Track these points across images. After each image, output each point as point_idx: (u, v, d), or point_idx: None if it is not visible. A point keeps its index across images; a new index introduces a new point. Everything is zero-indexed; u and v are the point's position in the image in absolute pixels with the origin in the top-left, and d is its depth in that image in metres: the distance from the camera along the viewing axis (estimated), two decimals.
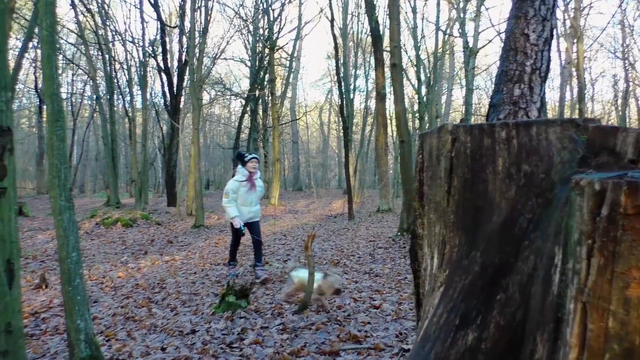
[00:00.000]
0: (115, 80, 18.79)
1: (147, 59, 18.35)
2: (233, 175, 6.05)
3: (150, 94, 22.14)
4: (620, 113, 28.19)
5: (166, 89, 18.46)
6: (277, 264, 6.18)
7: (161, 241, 8.59)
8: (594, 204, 1.07)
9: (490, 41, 21.87)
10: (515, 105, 4.94)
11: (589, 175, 1.19)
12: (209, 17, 14.29)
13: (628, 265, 1.02)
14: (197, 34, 12.95)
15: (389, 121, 18.46)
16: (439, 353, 1.42)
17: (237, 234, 5.52)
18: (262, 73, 21.23)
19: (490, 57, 31.96)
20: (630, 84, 27.34)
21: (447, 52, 24.73)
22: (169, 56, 18.85)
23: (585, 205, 1.10)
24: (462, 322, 1.42)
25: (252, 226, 5.69)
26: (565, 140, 1.42)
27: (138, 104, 22.53)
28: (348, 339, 3.14)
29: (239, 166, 5.60)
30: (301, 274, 4.01)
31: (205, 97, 25.91)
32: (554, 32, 4.95)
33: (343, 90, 15.68)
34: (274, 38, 19.34)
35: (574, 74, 21.17)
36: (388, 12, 8.83)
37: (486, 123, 1.51)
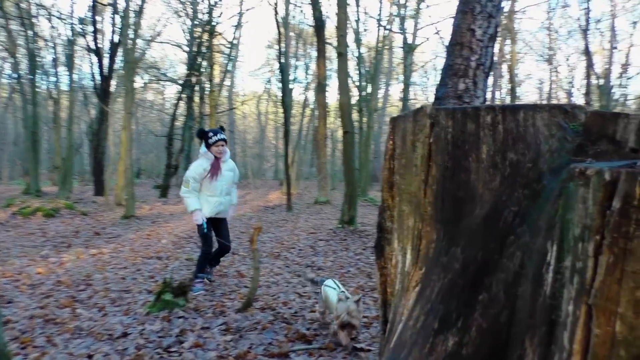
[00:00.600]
0: (39, 59, 17.46)
1: (76, 37, 17.18)
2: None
3: (78, 75, 20.79)
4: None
5: (96, 70, 17.39)
6: None
7: (87, 233, 8.01)
8: (604, 196, 0.96)
9: (427, 39, 22.34)
10: (459, 99, 4.93)
11: (591, 164, 1.09)
12: None
13: None
14: (131, 14, 12.23)
15: (328, 113, 18.39)
16: None
17: (200, 232, 4.41)
18: (199, 59, 20.48)
19: (427, 54, 32.68)
20: (554, 86, 28.95)
21: (387, 47, 25.03)
22: (99, 36, 17.76)
23: (591, 197, 0.99)
24: (441, 326, 1.29)
25: (219, 224, 4.55)
26: (553, 128, 1.32)
27: (64, 85, 21.13)
28: (297, 338, 2.97)
29: (202, 147, 4.47)
30: (333, 290, 3.12)
31: (139, 82, 24.76)
32: (498, 29, 4.99)
33: (285, 80, 15.41)
34: (214, 23, 18.68)
35: (505, 74, 22.09)
36: (337, 1, 8.69)
37: (470, 106, 1.39)
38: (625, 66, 22.48)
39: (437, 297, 1.33)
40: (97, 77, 17.30)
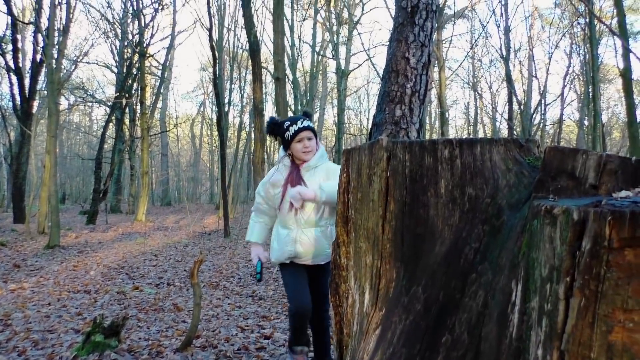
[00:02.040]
0: None
1: None
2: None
3: None
4: (470, 136, 31.26)
5: (16, 90, 16.36)
6: (149, 290, 5.57)
7: (5, 265, 7.36)
8: (573, 236, 0.93)
9: (360, 65, 22.88)
10: (396, 125, 5.02)
11: (554, 201, 1.07)
12: (70, 15, 12.99)
13: (612, 307, 0.88)
14: (56, 33, 11.64)
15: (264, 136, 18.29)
16: None
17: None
18: (130, 80, 19.86)
19: (359, 79, 33.53)
20: (479, 111, 30.57)
21: (321, 72, 25.46)
22: (20, 55, 16.76)
23: (558, 236, 0.97)
24: None
25: (314, 275, 2.73)
26: (510, 162, 1.31)
27: None
28: None
29: (281, 149, 2.83)
30: None
31: (64, 103, 23.60)
32: (431, 58, 5.14)
33: (220, 103, 15.17)
34: (145, 44, 18.19)
35: (434, 99, 23.01)
36: (273, 27, 8.69)
37: (427, 140, 1.35)
38: (543, 93, 24.11)
39: (398, 341, 1.27)
40: (18, 98, 16.29)
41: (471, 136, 31.55)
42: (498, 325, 1.15)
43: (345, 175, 1.55)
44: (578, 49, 21.40)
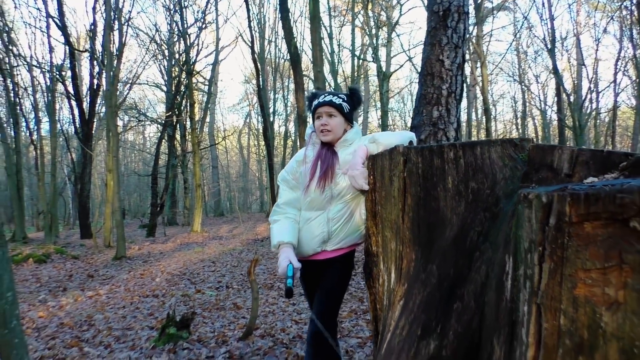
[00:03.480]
0: (18, 107, 17.57)
1: (55, 84, 17.39)
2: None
3: (59, 120, 20.84)
4: (520, 131, 30.61)
5: (76, 115, 17.56)
6: (210, 292, 6.03)
7: (80, 276, 8.07)
8: (543, 215, 1.19)
9: (401, 66, 22.96)
10: (434, 127, 5.19)
11: (534, 189, 1.33)
12: (123, 41, 13.86)
13: (575, 268, 1.14)
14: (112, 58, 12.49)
15: None
16: None
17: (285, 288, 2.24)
18: (179, 98, 20.82)
19: (402, 80, 33.52)
20: (527, 104, 29.86)
21: (362, 76, 25.69)
22: (78, 81, 17.98)
23: (534, 216, 1.23)
24: (423, 333, 1.50)
25: (323, 269, 2.35)
26: (506, 159, 1.57)
27: (44, 131, 21.22)
28: None
29: (310, 125, 2.47)
30: None
31: (119, 123, 24.93)
32: (465, 58, 5.30)
33: (265, 114, 15.74)
34: (191, 62, 19.07)
35: (479, 95, 22.75)
36: (310, 39, 9.08)
37: (435, 144, 1.63)
38: (593, 81, 23.37)
39: (418, 308, 1.55)
40: (78, 122, 17.44)
41: (519, 130, 30.86)
42: (496, 291, 1.42)
43: (371, 177, 1.85)
44: (630, 33, 20.60)
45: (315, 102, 2.32)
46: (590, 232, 1.14)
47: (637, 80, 19.72)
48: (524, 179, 1.45)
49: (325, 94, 2.34)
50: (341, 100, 2.31)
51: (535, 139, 32.96)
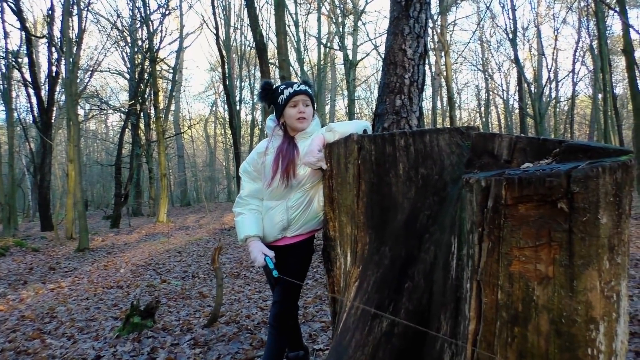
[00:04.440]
0: None
1: (11, 71, 16.76)
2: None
3: (15, 109, 20.09)
4: (483, 119, 31.29)
5: (34, 103, 17.00)
6: (176, 282, 6.02)
7: (41, 268, 7.91)
8: (482, 198, 1.28)
9: (367, 54, 23.14)
10: (397, 115, 5.27)
11: (475, 174, 1.42)
12: (82, 27, 13.47)
13: (510, 246, 1.24)
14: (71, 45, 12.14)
15: None
16: (359, 341, 1.57)
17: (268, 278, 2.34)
18: (142, 86, 20.42)
19: (368, 69, 33.68)
20: (490, 93, 30.51)
21: (329, 64, 25.72)
22: (36, 68, 17.38)
23: (474, 199, 1.32)
24: (377, 311, 1.59)
25: (284, 254, 2.37)
26: (453, 146, 1.66)
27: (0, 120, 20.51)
28: (261, 345, 3.21)
29: (269, 120, 2.52)
30: None
31: (80, 112, 24.29)
32: (427, 48, 5.40)
33: (232, 103, 15.62)
34: (155, 49, 18.67)
35: (444, 84, 23.12)
36: (275, 27, 9.04)
37: (387, 132, 1.70)
38: (553, 70, 24.07)
39: (372, 289, 1.63)
40: (36, 110, 16.92)
41: (483, 118, 31.55)
42: (444, 271, 1.51)
43: (328, 164, 1.92)
44: (587, 24, 21.25)
45: (291, 90, 2.35)
46: (524, 213, 1.23)
47: (594, 70, 20.40)
48: (468, 164, 1.54)
49: (298, 83, 2.39)
50: (309, 89, 2.41)
51: (498, 128, 33.79)
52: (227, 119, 25.71)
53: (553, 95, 25.06)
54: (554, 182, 1.16)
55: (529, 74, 24.51)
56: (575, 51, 22.61)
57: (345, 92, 24.70)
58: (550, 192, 1.17)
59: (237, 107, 23.10)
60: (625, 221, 1.19)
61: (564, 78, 26.18)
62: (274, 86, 2.47)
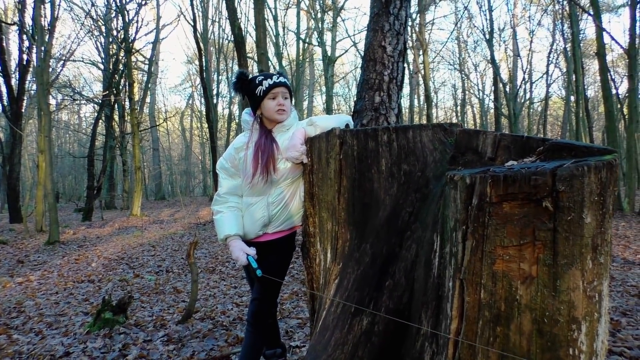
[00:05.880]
0: None
1: None
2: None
3: None
4: (459, 118, 31.64)
5: (4, 92, 16.50)
6: (149, 277, 5.90)
7: (9, 262, 7.67)
8: (466, 195, 1.26)
9: (346, 51, 23.10)
10: (376, 112, 5.25)
11: (459, 171, 1.40)
12: (55, 14, 13.09)
13: (494, 245, 1.22)
14: (41, 32, 11.79)
15: None
16: (338, 339, 1.54)
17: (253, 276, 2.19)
18: (117, 77, 20.01)
19: (346, 65, 33.68)
20: (467, 92, 30.87)
21: (307, 60, 25.62)
22: (6, 56, 16.87)
23: (458, 196, 1.30)
24: (357, 309, 1.56)
25: (265, 251, 2.28)
26: (436, 142, 1.63)
27: None
28: (236, 342, 3.15)
29: (244, 113, 2.44)
30: None
31: (52, 102, 23.65)
32: (407, 45, 5.39)
33: (208, 96, 15.42)
34: (130, 40, 18.29)
35: (421, 82, 23.26)
36: (254, 21, 8.94)
37: (370, 128, 1.67)
38: (528, 72, 24.46)
39: (352, 286, 1.60)
40: (6, 100, 16.42)
41: (459, 117, 31.91)
42: (425, 268, 1.49)
43: (309, 159, 1.88)
44: (561, 26, 21.64)
45: (270, 82, 2.27)
46: (508, 212, 1.22)
47: (567, 72, 20.78)
48: (452, 161, 1.52)
49: (277, 75, 2.33)
50: (287, 81, 2.36)
51: (474, 127, 34.23)
52: (204, 112, 25.38)
53: (527, 96, 25.51)
54: (539, 180, 1.15)
55: (504, 75, 24.90)
56: (549, 53, 23.02)
57: (324, 89, 24.68)
58: (536, 191, 1.16)
59: (214, 101, 22.86)
60: (609, 221, 1.19)
61: (538, 79, 26.68)
62: (250, 77, 2.38)
